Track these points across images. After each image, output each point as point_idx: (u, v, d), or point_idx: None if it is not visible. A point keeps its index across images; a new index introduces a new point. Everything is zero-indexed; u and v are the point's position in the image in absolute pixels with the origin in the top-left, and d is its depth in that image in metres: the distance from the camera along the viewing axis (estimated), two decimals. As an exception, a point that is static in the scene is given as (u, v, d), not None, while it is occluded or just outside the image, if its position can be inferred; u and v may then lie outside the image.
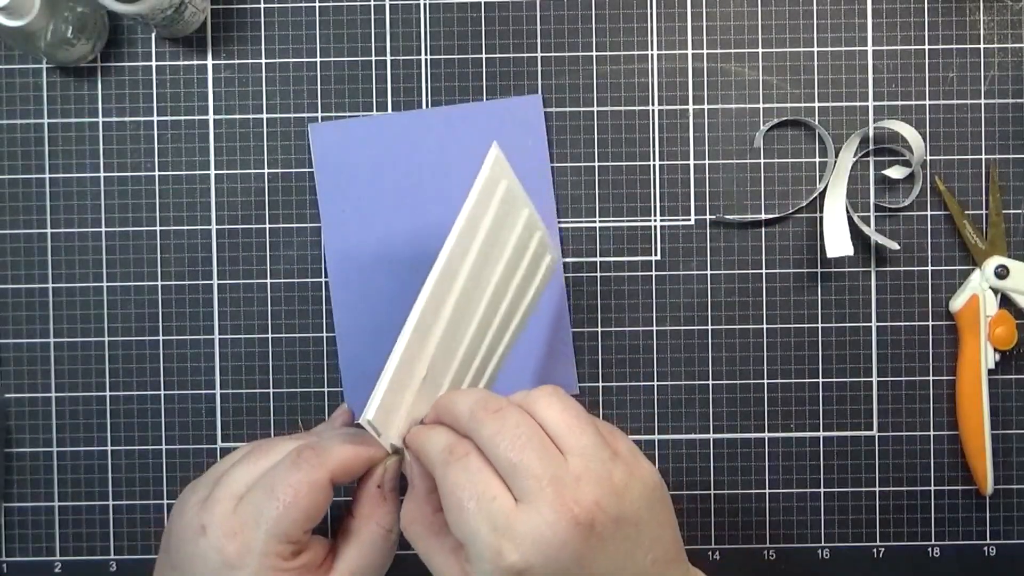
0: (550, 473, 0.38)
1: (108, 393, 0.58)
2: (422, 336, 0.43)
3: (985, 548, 0.58)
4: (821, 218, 0.57)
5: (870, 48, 0.58)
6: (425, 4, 0.58)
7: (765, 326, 0.58)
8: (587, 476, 0.38)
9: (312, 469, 0.41)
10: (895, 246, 0.57)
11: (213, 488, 0.43)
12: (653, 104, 0.58)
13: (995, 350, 0.57)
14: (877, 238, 0.56)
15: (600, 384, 0.58)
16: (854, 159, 0.57)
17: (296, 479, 0.41)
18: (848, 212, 0.57)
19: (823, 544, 0.58)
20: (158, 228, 0.58)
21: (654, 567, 0.39)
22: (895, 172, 0.57)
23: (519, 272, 0.49)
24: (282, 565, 0.41)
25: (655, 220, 0.58)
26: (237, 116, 0.58)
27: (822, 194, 0.57)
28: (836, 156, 0.57)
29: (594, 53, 0.58)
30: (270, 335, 0.58)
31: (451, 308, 0.44)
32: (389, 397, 0.42)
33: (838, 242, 0.56)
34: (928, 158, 0.58)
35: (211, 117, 0.58)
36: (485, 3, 0.58)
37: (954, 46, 0.58)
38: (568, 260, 0.58)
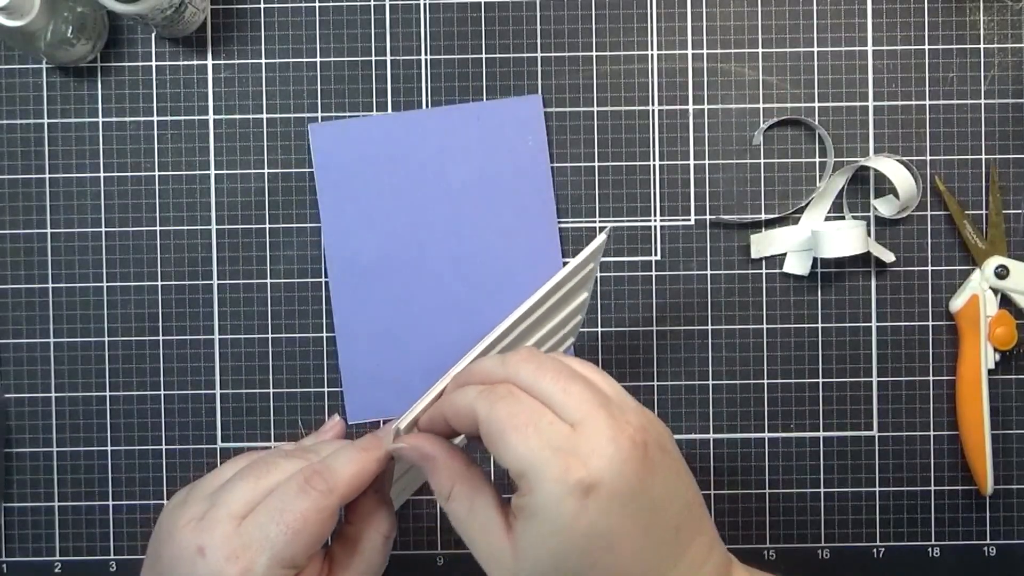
0: (598, 399, 0.38)
1: (108, 393, 0.58)
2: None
3: (985, 548, 0.58)
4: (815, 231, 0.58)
5: (870, 48, 0.58)
6: (425, 4, 0.58)
7: (765, 326, 0.58)
8: (627, 406, 0.38)
9: (321, 496, 0.41)
10: (890, 257, 0.57)
11: (210, 507, 0.41)
12: (653, 104, 0.58)
13: (995, 350, 0.57)
14: (874, 249, 0.57)
15: (600, 384, 0.58)
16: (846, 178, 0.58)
17: (306, 507, 0.40)
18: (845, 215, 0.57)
19: (823, 544, 0.58)
20: (158, 228, 0.58)
21: (688, 509, 0.39)
22: (884, 206, 0.57)
23: (548, 344, 0.49)
24: None
25: (655, 220, 0.58)
26: (237, 116, 0.58)
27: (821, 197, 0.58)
28: (835, 156, 0.57)
29: (594, 53, 0.58)
30: (270, 335, 0.58)
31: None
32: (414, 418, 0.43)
33: (798, 262, 0.58)
34: (928, 158, 0.58)
35: (211, 117, 0.58)
36: (485, 3, 0.58)
37: (954, 46, 0.58)
38: (568, 260, 0.58)
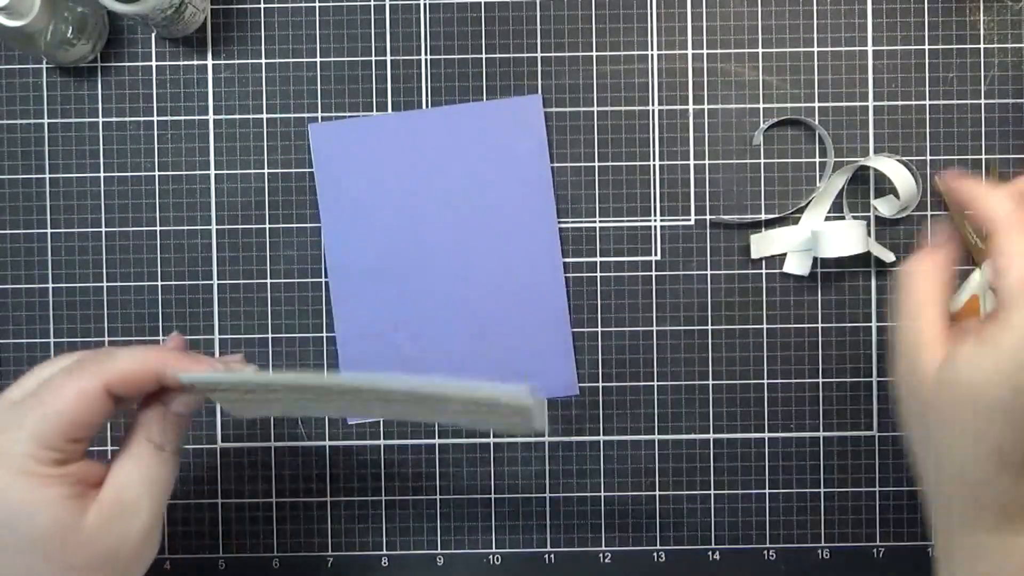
0: None
1: (108, 393, 0.58)
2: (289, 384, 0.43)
3: (985, 548, 0.58)
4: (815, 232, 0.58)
5: (870, 48, 0.58)
6: (425, 4, 0.58)
7: (765, 326, 0.58)
8: None
9: (85, 376, 0.40)
10: (890, 257, 0.57)
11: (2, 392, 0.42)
12: (653, 104, 0.58)
13: (995, 350, 0.56)
14: (874, 249, 0.57)
15: (600, 384, 0.58)
16: (845, 180, 0.58)
17: (66, 385, 0.40)
18: (844, 215, 0.57)
19: (823, 544, 0.58)
20: (158, 228, 0.58)
21: None
22: (884, 206, 0.57)
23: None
24: (42, 470, 0.39)
25: (655, 220, 0.58)
26: (237, 116, 0.58)
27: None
28: (835, 156, 0.57)
29: (594, 53, 0.58)
30: (270, 335, 0.58)
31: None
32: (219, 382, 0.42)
33: (798, 262, 0.58)
34: (928, 158, 0.58)
35: (211, 117, 0.58)
36: (485, 3, 0.58)
37: (954, 46, 0.58)
38: (568, 260, 0.58)
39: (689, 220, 0.58)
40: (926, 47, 0.58)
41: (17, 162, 0.59)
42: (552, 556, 0.59)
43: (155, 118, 0.59)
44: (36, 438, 0.39)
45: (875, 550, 0.58)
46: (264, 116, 0.58)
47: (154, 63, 0.59)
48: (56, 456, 0.39)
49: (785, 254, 0.58)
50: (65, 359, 0.43)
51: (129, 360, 0.41)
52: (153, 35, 0.58)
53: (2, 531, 0.39)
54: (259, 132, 0.58)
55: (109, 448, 0.58)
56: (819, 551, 0.58)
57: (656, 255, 0.58)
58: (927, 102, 0.58)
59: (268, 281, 0.58)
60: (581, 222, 0.58)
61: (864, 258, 0.57)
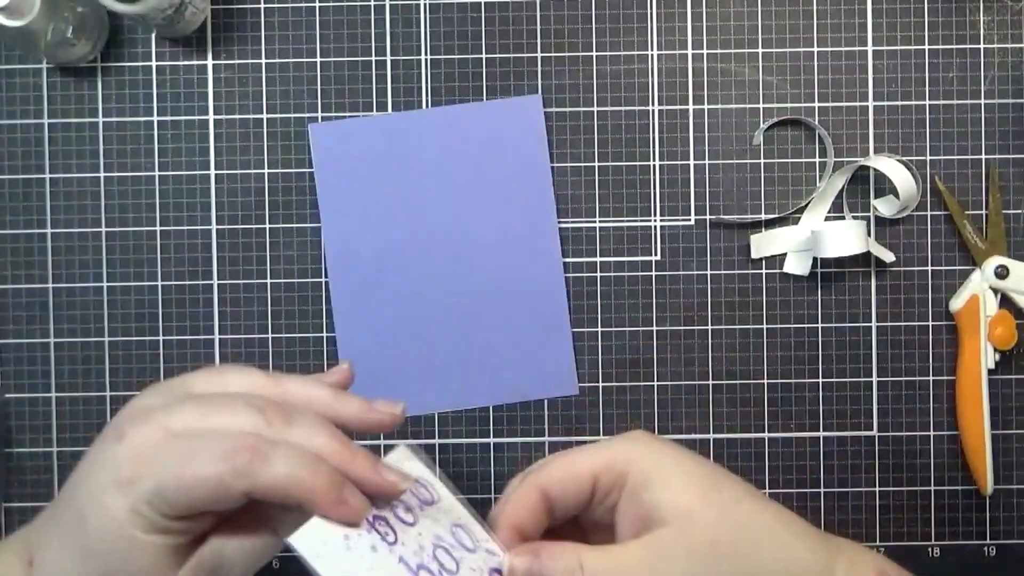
0: None
1: (108, 393, 0.58)
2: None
3: (985, 548, 0.58)
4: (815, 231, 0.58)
5: (870, 48, 0.58)
6: (425, 4, 0.58)
7: (765, 326, 0.58)
8: None
9: (229, 475, 0.38)
10: (890, 257, 0.57)
11: (163, 407, 0.39)
12: (653, 104, 0.58)
13: (995, 350, 0.57)
14: (874, 249, 0.57)
15: (600, 384, 0.58)
16: (845, 179, 0.58)
17: (209, 473, 0.37)
18: (844, 215, 0.57)
19: (823, 544, 0.58)
20: (158, 228, 0.58)
21: None
22: (884, 206, 0.57)
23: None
24: (153, 517, 0.38)
25: (655, 220, 0.58)
26: (237, 116, 0.58)
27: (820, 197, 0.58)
28: (835, 156, 0.57)
29: (594, 53, 0.58)
30: (270, 335, 0.58)
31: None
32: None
33: (798, 262, 0.58)
34: (928, 158, 0.58)
35: (211, 117, 0.58)
36: (485, 3, 0.58)
37: (954, 46, 0.58)
38: (568, 260, 0.58)
39: (689, 220, 0.58)
40: (926, 47, 0.58)
41: (17, 162, 0.59)
42: (552, 556, 0.59)
43: (155, 118, 0.59)
44: (161, 496, 0.38)
45: (875, 550, 0.58)
46: (264, 116, 0.58)
47: (154, 63, 0.59)
48: (174, 513, 0.39)
49: (785, 254, 0.58)
50: (240, 413, 0.39)
51: (282, 479, 0.38)
52: (153, 35, 0.58)
53: (105, 557, 0.39)
54: (259, 132, 0.58)
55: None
56: (819, 551, 0.58)
57: (656, 255, 0.58)
58: (927, 102, 0.58)
59: (268, 281, 0.58)
60: (581, 222, 0.58)
61: (864, 258, 0.57)
